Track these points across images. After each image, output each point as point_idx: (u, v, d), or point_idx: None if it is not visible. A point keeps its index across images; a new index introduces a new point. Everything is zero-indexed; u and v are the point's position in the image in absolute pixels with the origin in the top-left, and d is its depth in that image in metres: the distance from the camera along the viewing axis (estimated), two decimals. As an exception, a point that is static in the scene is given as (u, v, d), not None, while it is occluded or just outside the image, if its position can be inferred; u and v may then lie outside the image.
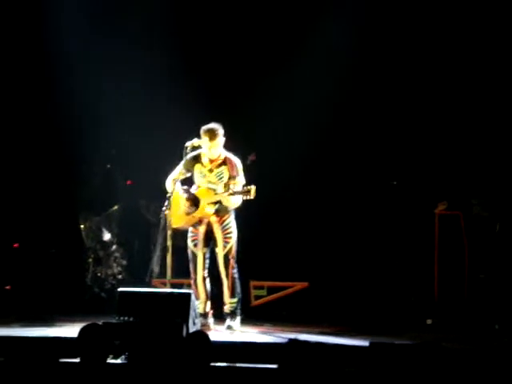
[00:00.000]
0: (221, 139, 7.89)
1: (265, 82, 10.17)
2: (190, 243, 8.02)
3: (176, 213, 7.87)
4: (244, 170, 8.06)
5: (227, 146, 8.04)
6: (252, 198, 7.68)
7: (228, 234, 7.96)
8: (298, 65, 10.17)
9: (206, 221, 7.95)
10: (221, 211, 7.93)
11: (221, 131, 7.88)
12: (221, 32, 10.40)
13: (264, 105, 10.13)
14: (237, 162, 7.95)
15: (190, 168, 7.98)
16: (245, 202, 7.86)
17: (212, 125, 7.86)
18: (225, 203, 7.83)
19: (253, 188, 7.66)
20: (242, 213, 9.22)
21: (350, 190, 10.09)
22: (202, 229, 7.96)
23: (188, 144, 7.91)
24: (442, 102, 9.90)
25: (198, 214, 7.88)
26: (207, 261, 8.02)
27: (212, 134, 7.83)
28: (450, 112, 9.85)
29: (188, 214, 7.90)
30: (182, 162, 7.94)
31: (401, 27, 9.99)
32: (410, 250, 9.54)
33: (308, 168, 10.21)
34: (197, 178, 7.98)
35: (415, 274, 9.48)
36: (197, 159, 7.99)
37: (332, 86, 9.88)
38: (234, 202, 7.83)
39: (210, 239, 7.99)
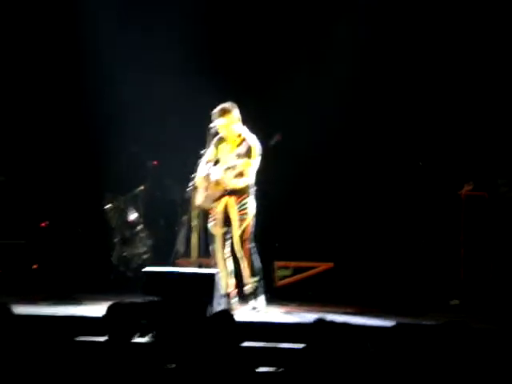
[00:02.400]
0: (234, 116, 7.85)
1: (289, 66, 10.19)
2: (208, 224, 8.03)
3: (201, 193, 7.89)
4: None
5: (252, 128, 8.03)
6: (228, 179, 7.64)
7: (243, 214, 7.90)
8: (323, 46, 10.14)
9: (224, 201, 7.93)
10: (238, 192, 7.91)
11: (233, 109, 7.85)
12: (245, 19, 10.42)
13: (289, 86, 10.10)
14: (254, 146, 7.87)
15: (217, 146, 7.98)
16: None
17: (223, 104, 7.85)
18: (222, 182, 7.80)
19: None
20: (267, 193, 9.23)
21: (375, 171, 10.07)
22: (220, 209, 7.95)
23: (212, 125, 7.91)
24: (468, 82, 9.85)
25: (212, 190, 7.85)
26: (228, 241, 8.01)
27: (222, 112, 7.82)
28: (475, 92, 9.79)
29: (206, 189, 7.89)
30: (212, 143, 7.94)
31: (425, 18, 9.96)
32: (436, 231, 9.51)
33: (334, 148, 10.20)
34: (220, 157, 7.98)
35: (441, 255, 9.45)
36: (223, 139, 7.99)
37: (358, 68, 9.87)
38: (231, 182, 7.77)
39: (228, 220, 7.97)
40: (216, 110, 7.84)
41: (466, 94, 9.84)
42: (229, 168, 7.72)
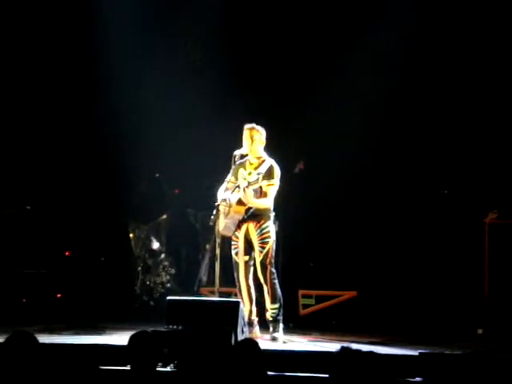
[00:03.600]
0: (261, 137, 7.92)
1: (314, 91, 10.17)
2: (232, 252, 8.03)
3: (222, 220, 7.90)
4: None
5: (275, 155, 8.05)
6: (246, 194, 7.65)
7: (264, 239, 7.89)
8: (346, 73, 10.13)
9: (244, 227, 7.93)
10: (258, 216, 7.91)
11: (262, 130, 7.94)
12: (270, 41, 10.42)
13: (313, 114, 10.11)
14: (275, 166, 7.90)
15: (236, 175, 8.01)
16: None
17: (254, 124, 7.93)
18: (242, 197, 7.80)
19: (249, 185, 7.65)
20: (290, 221, 9.22)
21: (399, 199, 10.02)
22: (241, 236, 7.95)
23: (237, 152, 7.96)
24: (492, 109, 9.80)
25: (231, 214, 7.86)
26: (250, 268, 7.98)
27: (252, 129, 7.89)
28: (499, 119, 9.75)
29: (225, 217, 7.89)
30: (231, 170, 7.98)
31: (451, 32, 9.91)
32: (460, 260, 9.44)
33: (357, 176, 10.16)
34: (239, 182, 8.00)
35: (465, 284, 9.38)
36: (241, 164, 8.03)
37: (381, 94, 9.84)
38: (253, 200, 7.76)
39: (251, 247, 7.98)
40: (246, 126, 7.91)
41: (493, 122, 9.78)
42: (250, 183, 7.73)
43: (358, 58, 10.05)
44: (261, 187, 7.81)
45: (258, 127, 7.95)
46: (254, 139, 7.91)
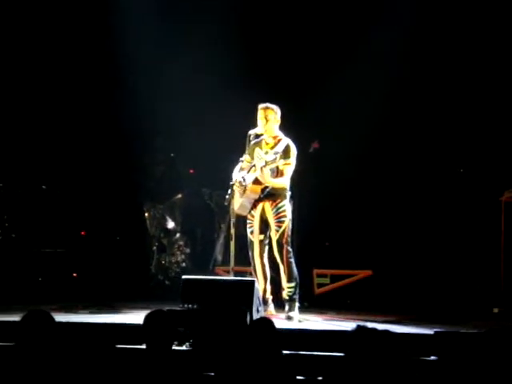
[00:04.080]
0: (276, 115, 7.89)
1: (328, 73, 10.15)
2: (247, 230, 8.04)
3: (238, 199, 7.90)
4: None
5: (290, 135, 8.03)
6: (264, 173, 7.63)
7: (280, 218, 7.87)
8: (362, 54, 10.10)
9: (260, 206, 7.93)
10: (273, 195, 7.90)
11: (277, 110, 7.90)
12: (283, 29, 10.41)
13: (327, 94, 10.07)
14: (291, 145, 7.86)
15: (251, 154, 8.00)
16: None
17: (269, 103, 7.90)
18: (259, 177, 7.79)
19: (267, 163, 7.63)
20: (305, 201, 9.20)
21: (415, 178, 10.00)
22: (256, 215, 7.94)
23: (251, 131, 7.95)
24: (507, 88, 9.75)
25: (247, 194, 7.85)
26: (265, 247, 7.99)
27: (268, 108, 7.86)
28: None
29: (241, 196, 7.89)
30: (246, 150, 7.97)
31: (454, 29, 9.89)
32: (476, 239, 9.43)
33: (372, 155, 10.15)
34: (255, 161, 7.98)
35: (481, 263, 9.36)
36: (257, 144, 8.01)
37: (397, 75, 9.81)
38: (270, 179, 7.74)
39: (266, 226, 7.98)
40: (261, 105, 7.88)
41: (506, 100, 9.74)
42: (267, 163, 7.70)
43: (372, 45, 10.02)
44: (277, 166, 7.79)
45: (273, 106, 7.91)
46: (268, 119, 7.88)
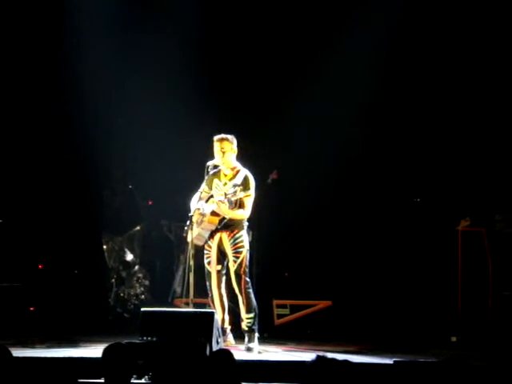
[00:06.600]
0: (232, 146, 7.89)
1: (288, 100, 10.20)
2: (205, 261, 8.02)
3: (195, 229, 7.88)
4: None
5: (249, 166, 8.05)
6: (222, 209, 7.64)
7: (238, 248, 7.87)
8: (320, 84, 10.14)
9: (217, 237, 7.93)
10: (231, 226, 7.90)
11: (232, 139, 7.90)
12: (243, 49, 10.43)
13: (287, 124, 10.13)
14: (249, 177, 7.87)
15: (210, 185, 8.00)
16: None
17: (224, 134, 7.91)
18: (217, 210, 7.80)
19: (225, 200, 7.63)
20: (264, 231, 9.22)
21: (372, 208, 10.07)
22: (214, 246, 7.94)
23: (210, 163, 7.95)
24: (465, 117, 9.88)
25: (204, 224, 7.85)
26: (223, 278, 7.97)
27: (222, 140, 7.85)
28: (472, 128, 9.82)
29: (198, 225, 7.88)
30: (204, 181, 7.98)
31: (427, 45, 9.99)
32: (433, 268, 9.50)
33: (330, 186, 10.20)
34: (214, 193, 7.99)
35: (439, 292, 9.43)
36: (215, 175, 8.01)
37: (355, 104, 9.88)
38: (230, 212, 7.75)
39: (224, 256, 7.97)
40: (217, 137, 7.88)
41: (463, 130, 9.86)
42: (227, 195, 7.69)
43: (332, 67, 10.08)
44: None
45: (228, 136, 7.91)
46: (224, 151, 7.87)
